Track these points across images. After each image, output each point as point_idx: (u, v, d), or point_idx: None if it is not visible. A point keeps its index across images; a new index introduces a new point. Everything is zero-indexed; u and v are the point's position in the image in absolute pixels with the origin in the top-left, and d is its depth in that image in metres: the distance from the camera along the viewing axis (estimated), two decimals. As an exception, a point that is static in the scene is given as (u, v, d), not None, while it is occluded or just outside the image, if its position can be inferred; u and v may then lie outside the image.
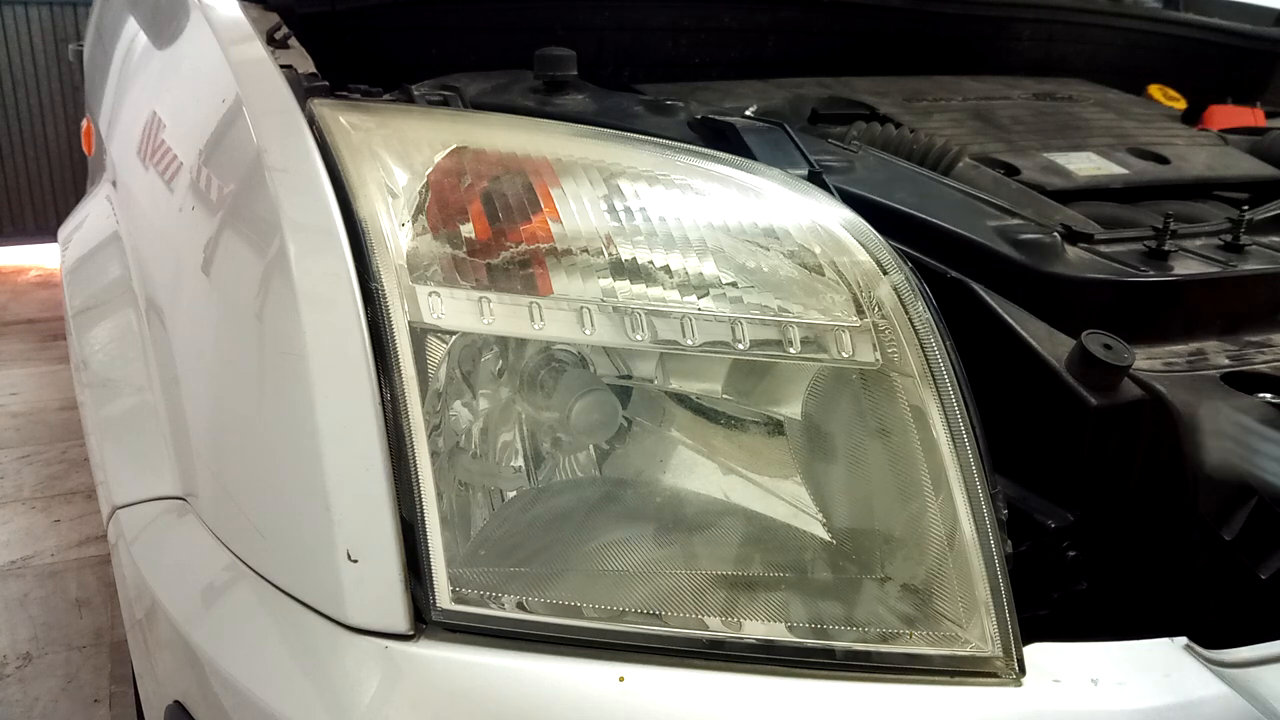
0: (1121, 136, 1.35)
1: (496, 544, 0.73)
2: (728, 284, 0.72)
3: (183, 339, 0.89)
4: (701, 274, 0.71)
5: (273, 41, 1.03)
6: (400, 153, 0.75)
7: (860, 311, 0.72)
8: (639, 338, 0.69)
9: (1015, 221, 0.93)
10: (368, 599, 0.64)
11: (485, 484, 0.77)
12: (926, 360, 0.71)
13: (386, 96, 0.99)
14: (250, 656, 0.68)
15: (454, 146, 0.75)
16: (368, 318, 0.68)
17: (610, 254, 0.70)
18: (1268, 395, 0.81)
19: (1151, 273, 0.88)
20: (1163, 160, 1.28)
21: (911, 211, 0.92)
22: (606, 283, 0.70)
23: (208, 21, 1.08)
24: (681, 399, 0.83)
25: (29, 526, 2.32)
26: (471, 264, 0.69)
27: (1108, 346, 0.77)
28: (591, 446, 0.81)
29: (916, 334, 0.71)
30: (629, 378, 0.79)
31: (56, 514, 2.38)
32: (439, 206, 0.72)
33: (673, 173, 0.76)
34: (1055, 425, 0.79)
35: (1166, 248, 0.91)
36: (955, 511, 0.68)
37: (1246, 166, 1.31)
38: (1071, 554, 0.76)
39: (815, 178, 0.91)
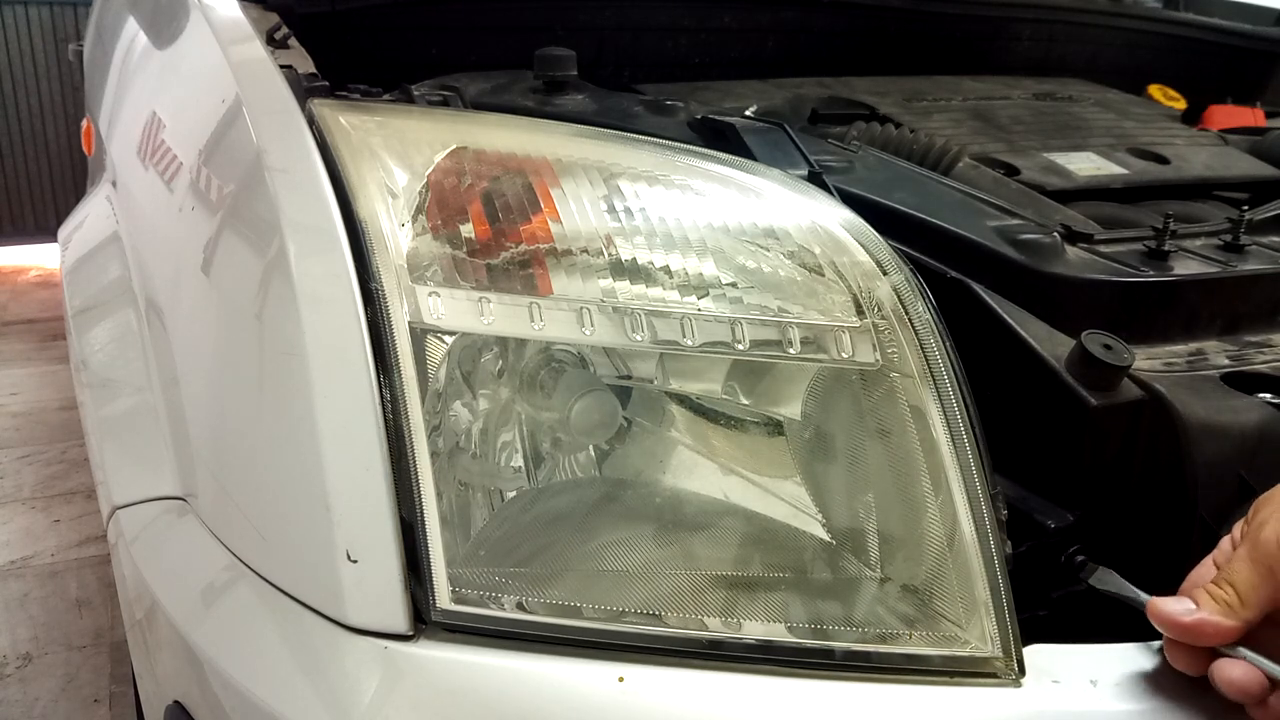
0: (1121, 136, 1.35)
1: (496, 544, 0.73)
2: (728, 284, 0.72)
3: (183, 339, 0.89)
4: (701, 274, 0.71)
5: (273, 41, 1.03)
6: (400, 153, 0.75)
7: (860, 312, 0.72)
8: (639, 338, 0.69)
9: (1015, 221, 0.93)
10: (368, 599, 0.64)
11: (485, 484, 0.77)
12: (926, 360, 0.71)
13: (386, 96, 0.99)
14: (250, 656, 0.68)
15: (454, 146, 0.75)
16: (368, 318, 0.68)
17: (610, 254, 0.70)
18: (1268, 395, 0.81)
19: (1151, 273, 0.88)
20: (1163, 160, 1.28)
21: (911, 211, 0.92)
22: (606, 283, 0.70)
23: (208, 21, 1.08)
24: (681, 399, 0.83)
25: (29, 526, 2.32)
26: (471, 264, 0.69)
27: (1107, 346, 0.77)
28: (591, 446, 0.81)
29: (916, 334, 0.71)
30: (629, 378, 0.79)
31: (56, 514, 2.38)
32: (439, 206, 0.72)
33: (673, 173, 0.76)
34: (1055, 425, 0.79)
35: (1166, 248, 0.91)
36: (955, 511, 0.68)
37: (1246, 166, 1.31)
38: (1080, 558, 0.76)
39: (815, 178, 0.91)
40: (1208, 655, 0.62)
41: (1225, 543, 0.66)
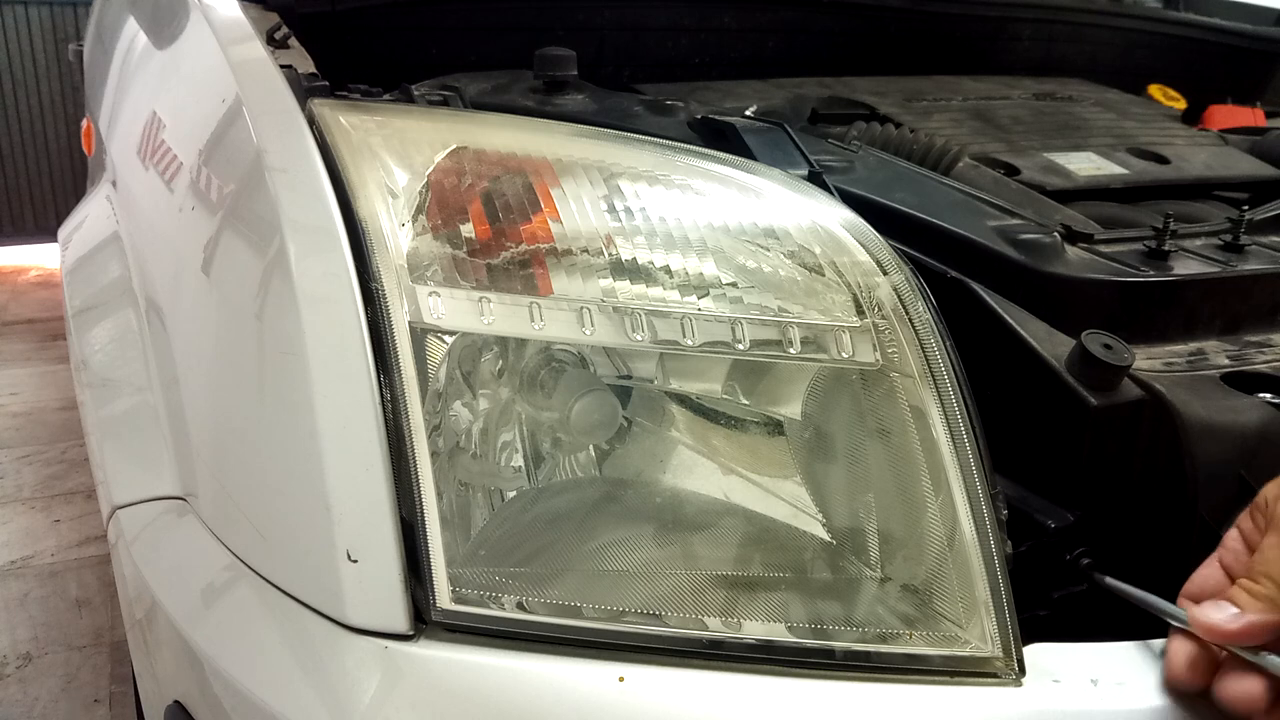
0: (1121, 136, 1.35)
1: (496, 544, 0.73)
2: (728, 284, 0.72)
3: (183, 339, 0.89)
4: (701, 274, 0.71)
5: (273, 41, 1.03)
6: (400, 153, 0.75)
7: (860, 312, 0.72)
8: (639, 338, 0.69)
9: (1015, 221, 0.93)
10: (368, 599, 0.64)
11: (485, 484, 0.77)
12: (926, 360, 0.71)
13: (386, 96, 0.99)
14: (250, 656, 0.68)
15: (454, 146, 0.75)
16: (368, 318, 0.68)
17: (610, 254, 0.70)
18: (1268, 395, 0.81)
19: (1151, 273, 0.88)
20: (1163, 160, 1.28)
21: (911, 211, 0.92)
22: (606, 283, 0.70)
23: (208, 21, 1.08)
24: (681, 399, 0.83)
25: (29, 526, 2.32)
26: (471, 264, 0.69)
27: (1108, 346, 0.77)
28: (591, 446, 0.81)
29: (916, 334, 0.71)
30: (629, 378, 0.79)
31: (56, 514, 2.38)
32: (439, 206, 0.72)
33: (673, 173, 0.76)
34: (1055, 425, 0.79)
35: (1166, 248, 0.91)
36: (955, 511, 0.68)
37: (1246, 166, 1.31)
38: (1085, 561, 0.76)
39: (815, 178, 0.91)
40: (1212, 670, 0.61)
41: (1230, 540, 0.65)
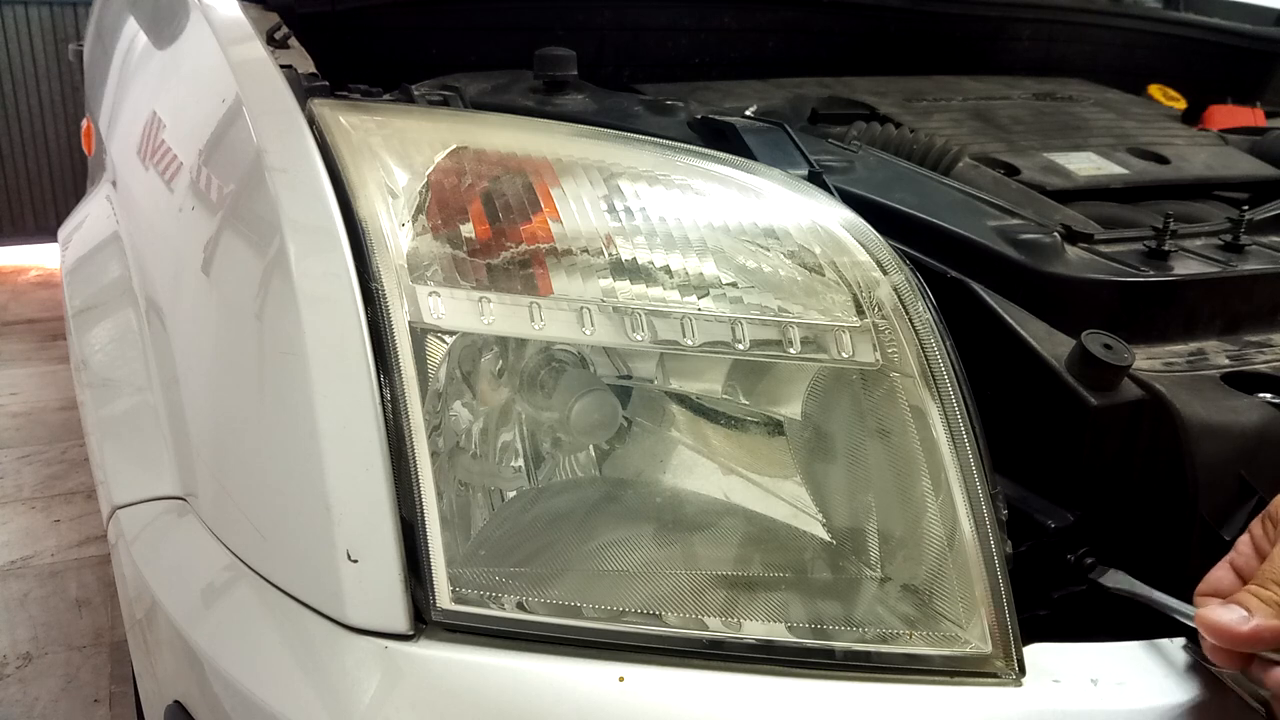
0: (1121, 136, 1.35)
1: (496, 544, 0.73)
2: (728, 284, 0.72)
3: (183, 339, 0.89)
4: (701, 274, 0.71)
5: (273, 41, 1.03)
6: (400, 153, 0.75)
7: (860, 312, 0.72)
8: (639, 338, 0.69)
9: (1015, 221, 0.93)
10: (368, 599, 0.64)
11: (485, 484, 0.77)
12: (926, 360, 0.71)
13: (386, 96, 0.99)
14: (250, 656, 0.68)
15: (454, 146, 0.75)
16: (368, 318, 0.68)
17: (610, 254, 0.70)
18: (1268, 395, 0.81)
19: (1151, 273, 0.88)
20: (1163, 160, 1.28)
21: (911, 211, 0.92)
22: (606, 283, 0.70)
23: (208, 21, 1.08)
24: (681, 399, 0.83)
25: (29, 526, 2.32)
26: (471, 264, 0.69)
27: (1108, 346, 0.77)
28: (591, 446, 0.81)
29: (916, 334, 0.71)
30: (629, 378, 0.79)
31: (56, 514, 2.38)
32: (439, 206, 0.72)
33: (673, 173, 0.76)
34: (1055, 425, 0.79)
35: (1166, 248, 0.91)
36: (955, 511, 0.68)
37: (1246, 166, 1.31)
38: (1089, 560, 0.76)
39: (815, 178, 0.91)
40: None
41: (1242, 545, 0.66)
